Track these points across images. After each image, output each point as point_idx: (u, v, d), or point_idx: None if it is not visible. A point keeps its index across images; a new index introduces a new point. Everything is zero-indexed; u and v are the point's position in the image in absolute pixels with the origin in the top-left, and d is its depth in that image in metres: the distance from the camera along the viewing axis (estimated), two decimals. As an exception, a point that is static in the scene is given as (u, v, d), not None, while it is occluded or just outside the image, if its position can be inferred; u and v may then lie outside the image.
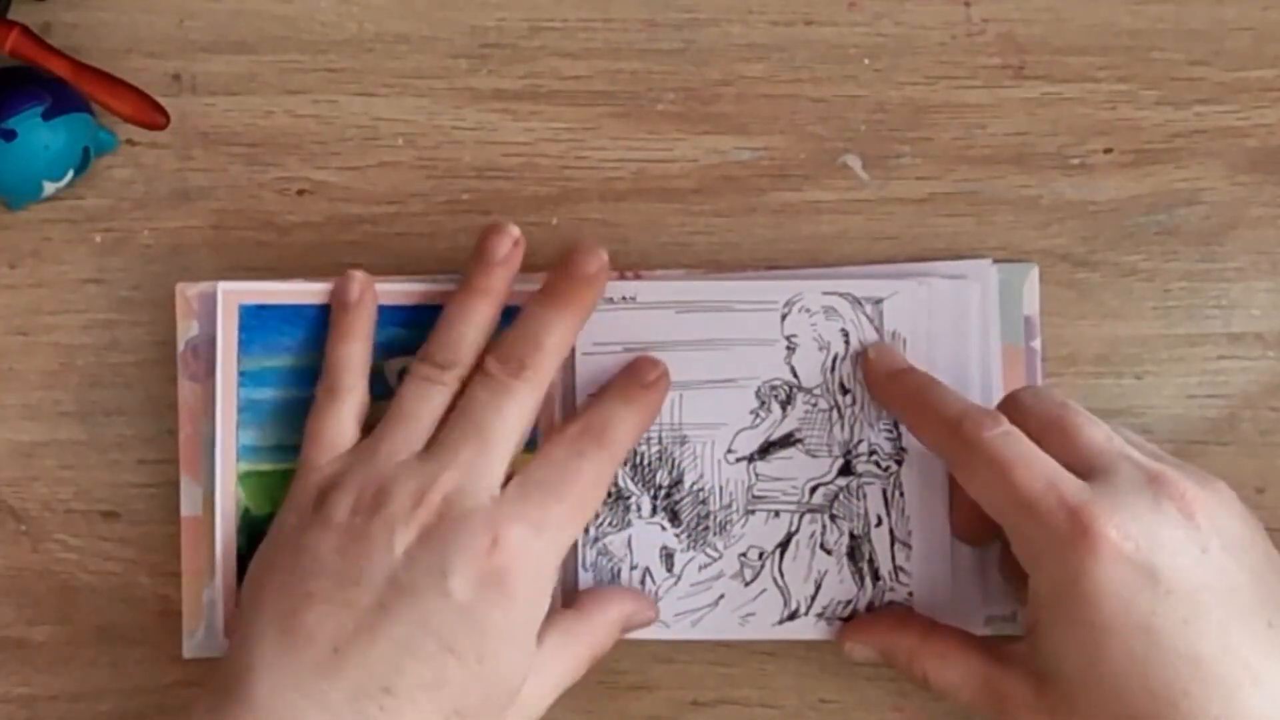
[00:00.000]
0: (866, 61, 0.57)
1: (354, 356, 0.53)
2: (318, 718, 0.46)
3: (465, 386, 0.52)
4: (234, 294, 0.54)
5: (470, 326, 0.52)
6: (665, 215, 0.57)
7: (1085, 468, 0.49)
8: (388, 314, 0.54)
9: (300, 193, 0.57)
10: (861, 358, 0.54)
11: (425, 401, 0.51)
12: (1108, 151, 0.57)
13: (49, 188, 0.54)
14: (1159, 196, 0.57)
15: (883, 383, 0.54)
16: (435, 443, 0.51)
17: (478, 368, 0.52)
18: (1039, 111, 0.57)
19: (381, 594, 0.48)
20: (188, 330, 0.55)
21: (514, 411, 0.51)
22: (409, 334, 0.54)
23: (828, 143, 0.57)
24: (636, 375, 0.54)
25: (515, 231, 0.53)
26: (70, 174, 0.55)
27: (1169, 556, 0.46)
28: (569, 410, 0.54)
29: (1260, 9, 0.57)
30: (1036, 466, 0.48)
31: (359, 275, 0.53)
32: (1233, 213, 0.57)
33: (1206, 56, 0.57)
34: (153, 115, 0.55)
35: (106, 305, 0.56)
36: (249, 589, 0.51)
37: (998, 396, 0.54)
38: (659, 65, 0.57)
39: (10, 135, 0.53)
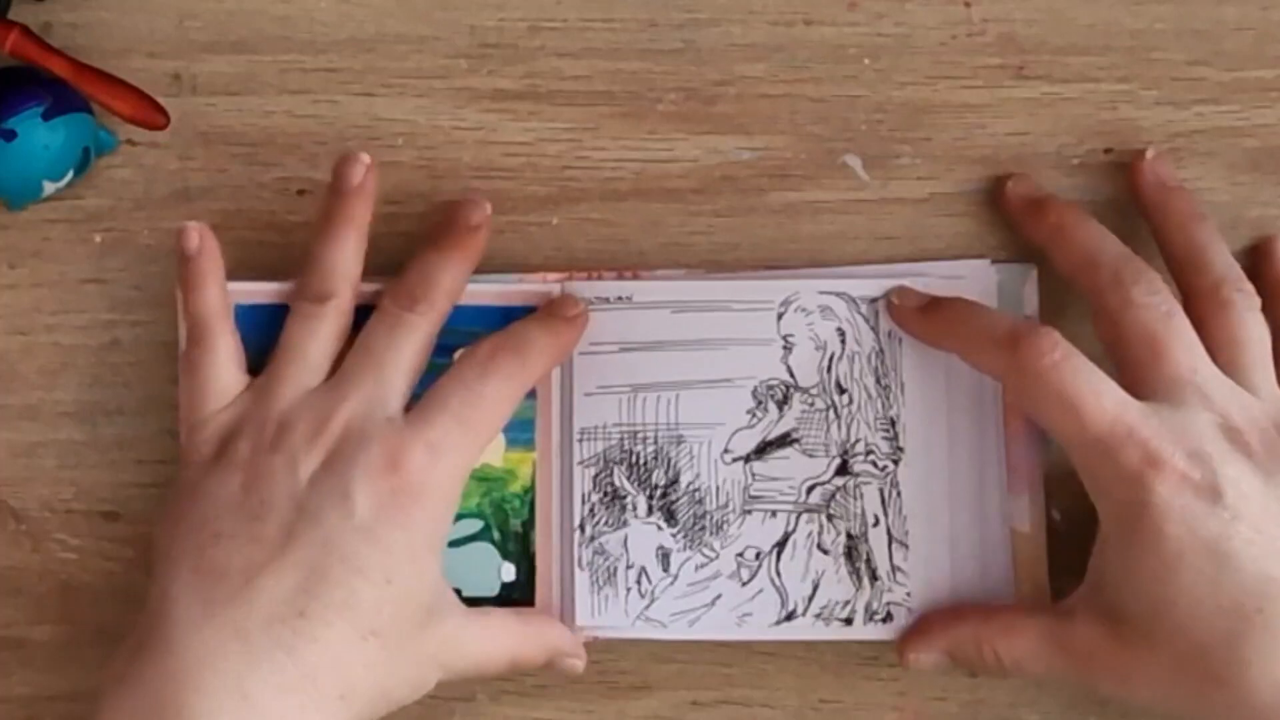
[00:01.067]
0: (866, 61, 0.57)
1: (210, 302, 0.53)
2: (234, 647, 0.47)
3: (357, 322, 0.52)
4: (234, 294, 0.54)
5: (339, 256, 0.53)
6: (665, 215, 0.57)
7: (1165, 389, 0.50)
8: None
9: (300, 193, 0.57)
10: (885, 305, 0.54)
11: (311, 337, 0.52)
12: (1108, 151, 0.57)
13: (49, 188, 0.55)
14: (1159, 196, 0.57)
15: (916, 320, 0.54)
16: (332, 378, 0.51)
17: (375, 307, 0.52)
18: (1039, 111, 0.57)
19: (287, 521, 0.48)
20: (188, 330, 0.55)
21: (409, 343, 0.51)
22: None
23: (828, 143, 0.57)
24: (559, 308, 0.54)
25: (366, 158, 0.53)
26: (70, 174, 0.55)
27: (1234, 485, 0.48)
28: (568, 411, 0.54)
29: (1260, 9, 0.57)
30: (1103, 398, 0.49)
31: (194, 225, 0.53)
32: (1233, 213, 0.56)
33: (1206, 56, 0.57)
34: (153, 115, 0.55)
35: (106, 305, 0.56)
36: (158, 543, 0.51)
37: (997, 395, 0.54)
38: (659, 65, 0.57)
39: (10, 135, 0.53)
